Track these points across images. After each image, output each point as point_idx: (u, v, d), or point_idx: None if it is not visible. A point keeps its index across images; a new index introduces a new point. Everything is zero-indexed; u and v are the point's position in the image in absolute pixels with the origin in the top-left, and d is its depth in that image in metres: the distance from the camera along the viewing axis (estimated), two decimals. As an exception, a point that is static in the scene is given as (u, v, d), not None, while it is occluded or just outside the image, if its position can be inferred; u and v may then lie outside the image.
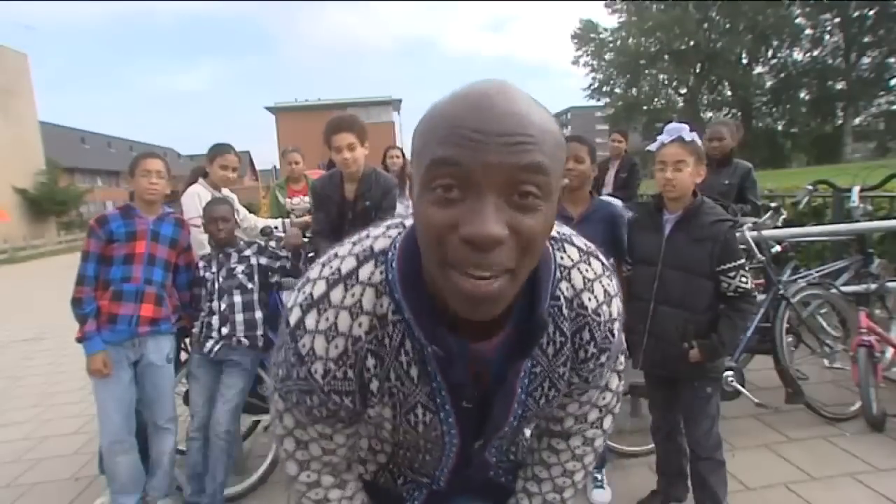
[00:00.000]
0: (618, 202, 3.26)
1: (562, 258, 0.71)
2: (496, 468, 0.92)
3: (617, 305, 0.75)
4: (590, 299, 0.72)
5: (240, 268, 2.48)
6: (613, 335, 0.75)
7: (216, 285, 2.45)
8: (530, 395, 0.74)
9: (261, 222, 3.29)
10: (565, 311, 0.71)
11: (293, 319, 0.67)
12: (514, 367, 0.70)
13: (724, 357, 1.98)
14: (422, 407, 0.71)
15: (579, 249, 0.74)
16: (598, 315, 0.73)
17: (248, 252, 2.53)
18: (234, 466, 2.51)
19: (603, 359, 0.76)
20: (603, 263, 0.76)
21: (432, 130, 0.55)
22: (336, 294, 0.66)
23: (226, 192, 3.02)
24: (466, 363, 0.67)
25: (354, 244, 0.70)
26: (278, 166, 11.89)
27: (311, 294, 0.67)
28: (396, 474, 0.89)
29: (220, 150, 2.97)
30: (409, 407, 0.71)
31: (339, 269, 0.67)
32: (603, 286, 0.73)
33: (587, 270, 0.73)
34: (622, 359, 0.84)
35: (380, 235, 0.70)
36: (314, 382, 0.68)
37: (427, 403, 0.71)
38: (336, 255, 0.70)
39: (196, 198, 2.83)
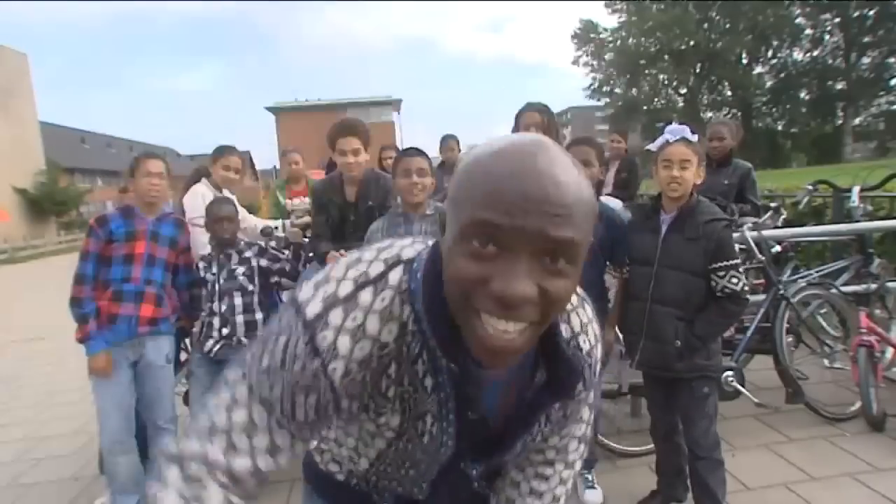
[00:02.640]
0: (618, 202, 3.27)
1: None
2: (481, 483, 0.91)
3: (601, 349, 0.81)
4: (584, 342, 0.77)
5: (240, 269, 2.48)
6: (596, 375, 0.81)
7: (217, 287, 2.45)
8: (530, 433, 0.78)
9: (260, 223, 3.29)
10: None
11: (311, 311, 0.64)
12: (547, 405, 0.74)
13: (705, 351, 1.98)
14: (431, 416, 0.72)
15: (577, 296, 0.78)
16: (591, 357, 0.78)
17: (248, 253, 2.53)
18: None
19: (583, 395, 0.81)
20: (591, 309, 0.81)
21: (474, 186, 0.56)
22: (365, 296, 0.65)
23: (226, 192, 3.02)
24: (480, 382, 0.70)
25: (381, 251, 0.70)
26: (278, 167, 11.89)
27: (335, 293, 0.65)
28: (373, 481, 0.87)
29: (223, 151, 2.99)
30: (419, 415, 0.72)
31: (366, 273, 0.67)
32: (593, 330, 0.79)
33: (583, 315, 0.78)
34: (592, 395, 0.87)
35: (407, 246, 0.71)
36: (325, 381, 0.63)
37: (437, 414, 0.72)
38: (360, 260, 0.68)
39: (199, 197, 2.83)
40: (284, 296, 2.63)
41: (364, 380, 0.66)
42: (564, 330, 0.74)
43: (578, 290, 0.78)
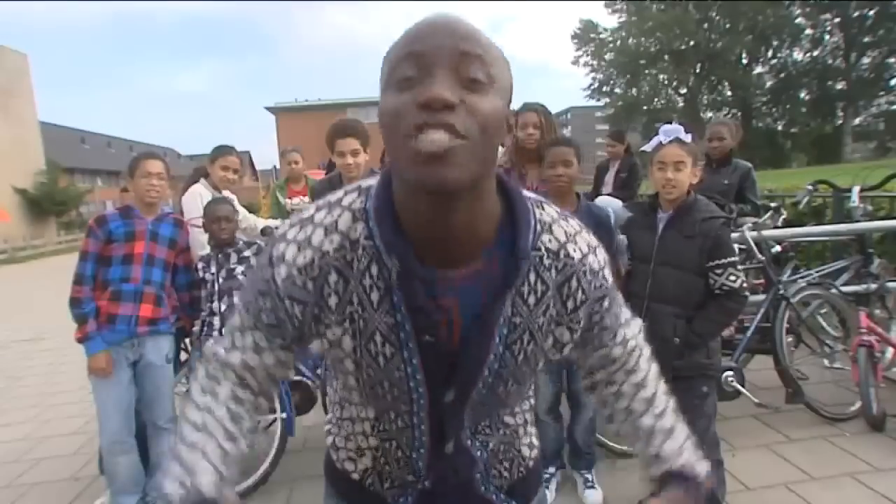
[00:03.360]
0: (618, 202, 3.27)
1: (541, 214, 0.75)
2: (492, 490, 0.87)
3: (602, 255, 0.79)
4: (574, 250, 0.75)
5: (239, 269, 2.48)
6: (606, 279, 0.79)
7: (216, 286, 2.45)
8: (508, 348, 0.74)
9: (260, 222, 3.29)
10: (547, 262, 0.74)
11: (279, 232, 0.76)
12: (498, 303, 0.71)
13: (705, 350, 1.98)
14: (381, 336, 0.71)
15: (556, 211, 0.78)
16: (585, 264, 0.76)
17: (247, 253, 2.53)
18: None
19: (606, 304, 0.80)
20: (579, 223, 0.80)
21: (395, 44, 0.64)
22: (320, 215, 0.74)
23: (226, 192, 3.02)
24: (429, 290, 0.69)
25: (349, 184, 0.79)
26: (278, 166, 11.89)
27: (301, 216, 0.76)
28: (384, 477, 0.87)
29: (221, 151, 2.99)
30: (369, 335, 0.72)
31: (328, 199, 0.76)
32: (585, 239, 0.78)
33: (567, 226, 0.77)
34: (619, 296, 0.87)
35: (370, 179, 0.77)
36: (273, 285, 0.73)
37: (387, 334, 0.71)
38: (335, 193, 0.78)
39: (198, 197, 2.83)
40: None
41: (305, 286, 0.72)
42: (548, 240, 0.74)
43: (557, 210, 0.79)
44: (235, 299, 2.44)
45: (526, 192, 0.76)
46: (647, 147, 2.01)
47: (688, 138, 1.93)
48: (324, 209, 0.74)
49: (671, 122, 2.06)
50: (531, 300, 0.73)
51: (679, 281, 1.95)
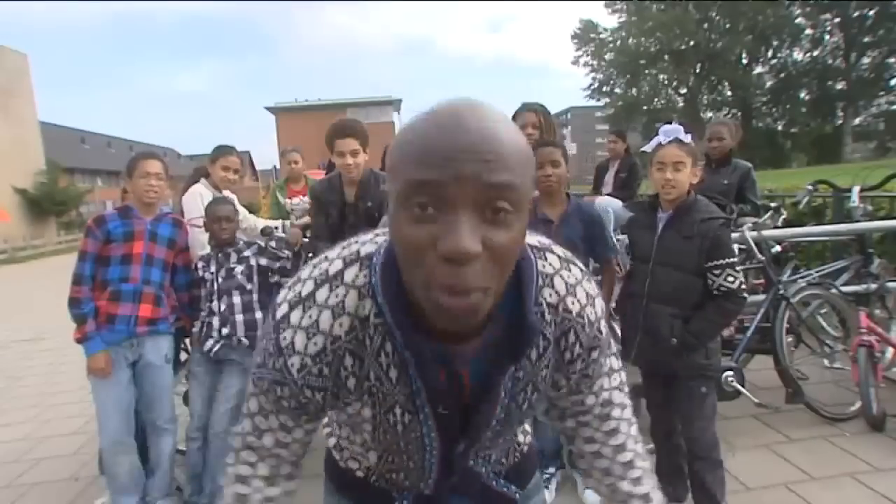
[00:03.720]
0: (618, 202, 3.27)
1: (544, 266, 0.74)
2: (491, 476, 0.92)
3: (600, 305, 0.79)
4: (573, 303, 0.75)
5: (239, 268, 2.48)
6: (602, 332, 0.79)
7: (216, 286, 2.45)
8: (513, 399, 0.76)
9: (260, 222, 3.29)
10: (548, 317, 0.74)
11: (279, 313, 0.70)
12: (500, 371, 0.72)
13: (703, 350, 1.98)
14: (400, 407, 0.72)
15: (559, 258, 0.77)
16: (582, 318, 0.76)
17: (247, 252, 2.53)
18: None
19: (595, 355, 0.80)
20: (581, 269, 0.79)
21: (405, 151, 0.57)
22: (321, 294, 0.69)
23: (226, 193, 3.02)
24: (439, 368, 0.69)
25: (343, 248, 0.73)
26: (278, 166, 11.88)
27: (299, 292, 0.70)
28: (387, 477, 0.89)
29: (222, 151, 2.98)
30: (388, 406, 0.73)
31: (326, 271, 0.70)
32: (584, 290, 0.77)
33: (568, 276, 0.76)
34: (613, 343, 0.87)
35: (367, 241, 0.73)
36: (288, 375, 0.70)
37: (405, 405, 0.72)
38: (326, 258, 0.73)
39: (198, 197, 2.83)
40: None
41: (321, 373, 0.70)
42: (548, 294, 0.73)
43: (565, 252, 0.78)
44: (235, 299, 2.44)
45: (529, 241, 0.75)
46: (647, 147, 2.01)
47: (687, 138, 1.93)
48: (324, 287, 0.69)
49: (671, 122, 2.07)
50: (533, 356, 0.75)
51: (677, 281, 1.95)
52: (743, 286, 1.94)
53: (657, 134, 1.98)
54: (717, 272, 1.91)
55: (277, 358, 0.70)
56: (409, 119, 0.61)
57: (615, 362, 0.88)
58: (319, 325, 0.68)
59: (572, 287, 0.75)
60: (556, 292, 0.74)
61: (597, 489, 0.92)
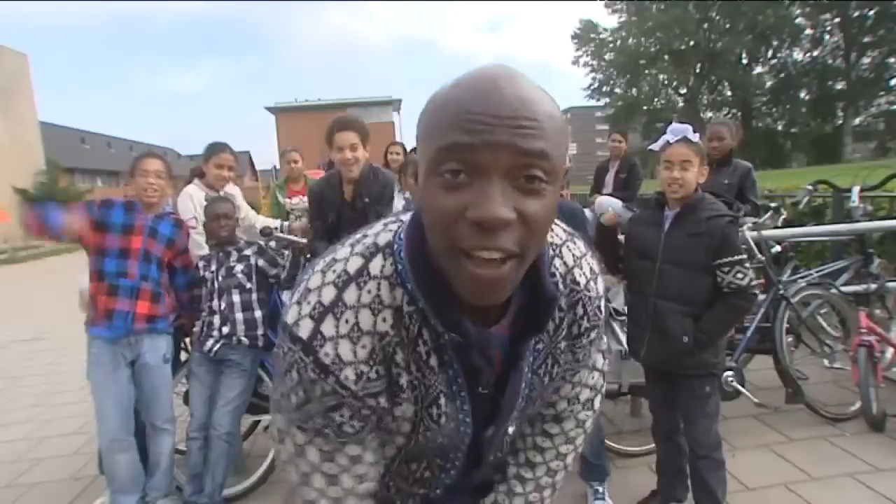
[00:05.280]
0: (618, 202, 3.27)
1: (552, 237, 0.74)
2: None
3: (602, 283, 0.78)
4: (580, 275, 0.75)
5: (239, 267, 2.48)
6: (601, 311, 0.78)
7: (215, 284, 2.45)
8: (535, 373, 0.75)
9: (261, 221, 3.29)
10: (561, 287, 0.73)
11: (305, 332, 0.63)
12: (524, 342, 0.70)
13: (713, 348, 1.98)
14: (444, 397, 0.70)
15: (564, 230, 0.77)
16: (589, 290, 0.75)
17: (247, 251, 2.53)
18: (233, 467, 2.51)
19: (593, 335, 0.79)
20: (585, 244, 0.79)
21: (439, 116, 0.55)
22: (350, 295, 0.63)
23: (230, 188, 3.01)
24: (483, 348, 0.67)
25: (354, 245, 0.68)
26: (278, 166, 11.88)
27: (319, 302, 0.63)
28: (392, 487, 0.86)
29: (215, 149, 2.95)
30: (432, 399, 0.69)
31: (345, 271, 0.65)
32: (589, 263, 0.77)
33: (574, 248, 0.76)
34: (605, 339, 0.87)
35: (380, 231, 0.69)
36: (344, 392, 0.64)
37: (447, 392, 0.70)
38: (336, 259, 0.67)
39: (189, 199, 2.82)
40: (284, 296, 2.63)
41: (378, 375, 0.65)
42: (559, 265, 0.73)
43: (564, 225, 0.78)
44: (234, 297, 2.44)
45: None
46: (655, 146, 2.01)
47: (695, 138, 1.94)
48: (350, 287, 0.64)
49: (672, 122, 2.07)
50: (551, 327, 0.74)
51: (685, 279, 1.94)
52: (753, 282, 1.93)
53: (662, 133, 1.98)
54: (726, 269, 1.90)
55: (325, 380, 0.63)
56: (442, 85, 0.58)
57: (600, 359, 0.87)
58: (361, 327, 0.63)
59: (578, 259, 0.75)
60: (565, 263, 0.74)
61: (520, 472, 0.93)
